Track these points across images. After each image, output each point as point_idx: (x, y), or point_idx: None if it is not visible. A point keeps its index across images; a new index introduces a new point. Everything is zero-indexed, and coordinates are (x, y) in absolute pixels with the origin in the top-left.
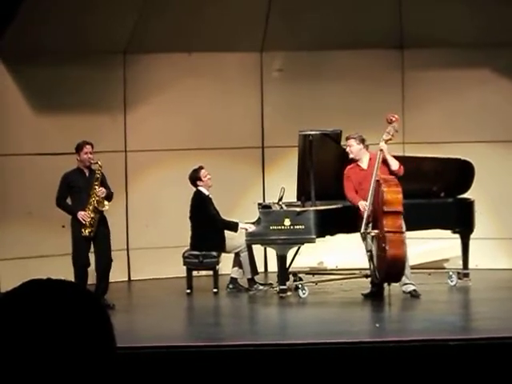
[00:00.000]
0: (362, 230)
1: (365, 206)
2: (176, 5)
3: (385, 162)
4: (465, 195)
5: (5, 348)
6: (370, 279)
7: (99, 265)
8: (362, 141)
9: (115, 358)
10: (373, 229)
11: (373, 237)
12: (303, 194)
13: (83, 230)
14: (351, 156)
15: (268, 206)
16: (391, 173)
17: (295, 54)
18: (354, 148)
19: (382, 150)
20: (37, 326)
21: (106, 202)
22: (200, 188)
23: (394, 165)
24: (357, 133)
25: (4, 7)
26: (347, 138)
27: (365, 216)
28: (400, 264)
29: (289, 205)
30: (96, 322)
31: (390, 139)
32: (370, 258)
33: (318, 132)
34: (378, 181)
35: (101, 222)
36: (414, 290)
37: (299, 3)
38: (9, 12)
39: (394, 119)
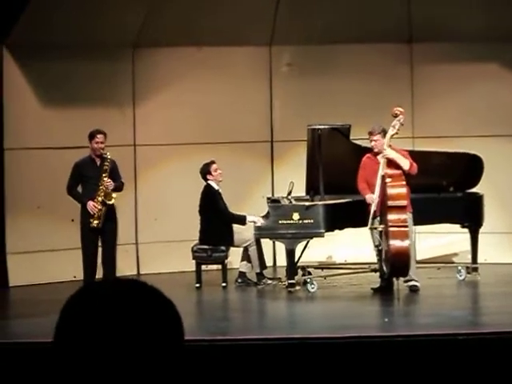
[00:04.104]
0: (369, 225)
1: (372, 199)
2: None
3: (394, 162)
4: (474, 189)
5: (80, 342)
6: (379, 273)
7: (105, 258)
8: (384, 132)
9: (184, 351)
10: (380, 224)
11: (381, 232)
12: (312, 188)
13: (91, 220)
14: (376, 150)
15: (277, 200)
16: (404, 172)
17: (304, 48)
18: (379, 143)
19: (385, 156)
20: (113, 323)
21: (113, 195)
22: (210, 182)
23: (405, 165)
24: (380, 126)
25: (13, 2)
26: (371, 134)
27: (371, 211)
28: (404, 258)
29: (298, 199)
30: (167, 319)
31: (396, 133)
32: (378, 253)
33: (326, 126)
34: (383, 176)
35: (110, 216)
36: (414, 285)
37: None
38: (18, 6)
39: (398, 112)
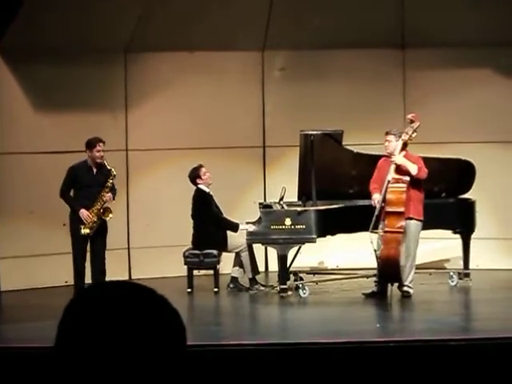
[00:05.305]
0: (370, 228)
1: (376, 199)
2: (177, 3)
3: (404, 168)
4: (466, 195)
5: (81, 345)
6: (371, 279)
7: (94, 265)
8: (399, 136)
9: (186, 356)
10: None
11: (382, 236)
12: (304, 194)
13: (82, 227)
14: (388, 151)
15: (269, 206)
16: (411, 177)
17: (297, 53)
18: (392, 144)
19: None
20: (113, 327)
21: (110, 215)
22: (200, 186)
23: (413, 170)
24: (398, 129)
25: (5, 6)
26: (387, 133)
27: (374, 215)
28: (392, 264)
29: (290, 204)
30: (169, 324)
31: (410, 139)
32: (376, 258)
33: (319, 132)
34: (389, 181)
35: (101, 227)
36: (406, 292)
37: (301, 2)
38: (10, 11)
39: (413, 119)
